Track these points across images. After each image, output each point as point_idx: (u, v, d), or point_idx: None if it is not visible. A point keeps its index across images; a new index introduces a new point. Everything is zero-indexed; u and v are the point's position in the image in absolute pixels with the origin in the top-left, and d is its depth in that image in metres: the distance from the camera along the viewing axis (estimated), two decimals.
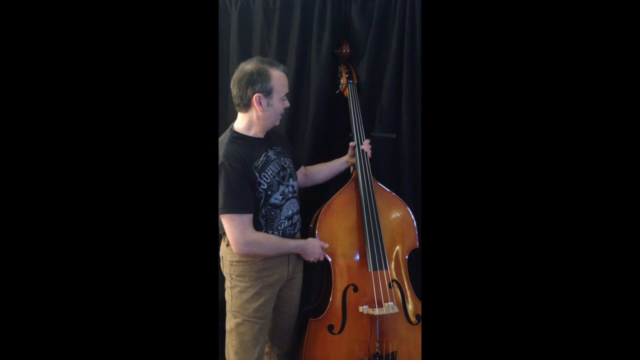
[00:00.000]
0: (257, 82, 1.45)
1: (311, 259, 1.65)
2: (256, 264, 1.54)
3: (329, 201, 1.73)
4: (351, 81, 1.87)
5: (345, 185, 1.77)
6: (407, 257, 1.76)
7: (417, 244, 1.77)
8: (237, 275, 1.54)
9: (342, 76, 1.89)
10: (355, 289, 1.70)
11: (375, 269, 1.68)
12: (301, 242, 1.64)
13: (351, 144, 1.82)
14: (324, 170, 1.86)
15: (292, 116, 1.96)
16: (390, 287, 1.71)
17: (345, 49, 1.92)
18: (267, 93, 1.47)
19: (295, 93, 1.95)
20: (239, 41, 1.99)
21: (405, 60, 1.82)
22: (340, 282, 1.70)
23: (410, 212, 1.78)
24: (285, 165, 1.62)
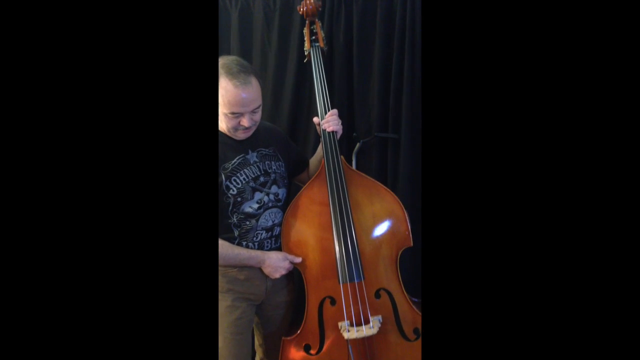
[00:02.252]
0: None
1: (276, 275, 1.42)
2: (228, 274, 1.42)
3: (294, 199, 1.45)
4: (317, 44, 1.54)
5: (313, 177, 1.46)
6: (398, 258, 1.43)
7: (411, 241, 1.43)
8: None
9: (306, 40, 1.56)
10: (333, 302, 1.42)
11: (345, 280, 1.38)
12: (258, 253, 1.41)
13: (315, 119, 1.51)
14: (313, 162, 1.62)
15: (293, 118, 1.96)
16: (377, 297, 1.42)
17: (309, 4, 1.55)
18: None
19: (296, 94, 1.95)
20: (239, 41, 1.99)
21: (407, 60, 1.80)
22: (314, 295, 1.43)
23: (400, 204, 1.43)
24: (270, 170, 1.45)
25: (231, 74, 1.28)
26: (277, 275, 1.42)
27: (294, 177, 1.64)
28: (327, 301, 1.42)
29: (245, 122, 1.33)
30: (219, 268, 1.41)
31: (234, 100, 1.29)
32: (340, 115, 1.53)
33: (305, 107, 1.97)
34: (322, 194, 1.42)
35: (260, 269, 1.44)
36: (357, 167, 1.79)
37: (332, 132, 1.45)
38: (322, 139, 1.46)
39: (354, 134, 1.84)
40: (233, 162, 1.39)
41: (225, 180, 1.37)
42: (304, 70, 1.94)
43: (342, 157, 1.44)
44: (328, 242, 1.41)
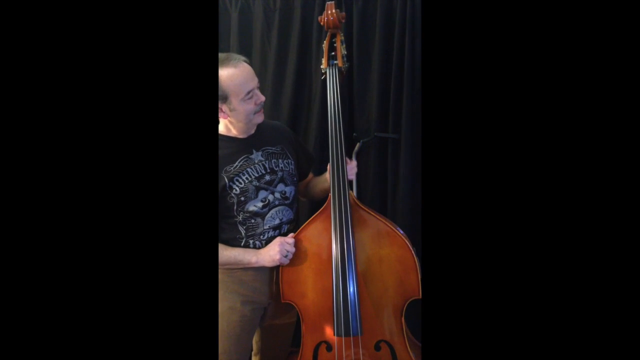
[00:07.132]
0: None
1: (281, 254, 1.33)
2: (234, 275, 1.42)
3: (296, 233, 1.37)
4: (334, 62, 1.43)
5: (319, 212, 1.37)
6: (404, 309, 1.31)
7: (420, 293, 1.29)
8: None
9: (324, 56, 1.44)
10: (329, 348, 1.31)
11: (340, 334, 1.27)
12: (252, 251, 1.37)
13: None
14: (316, 185, 1.58)
15: (293, 117, 1.95)
16: (377, 349, 1.31)
17: (330, 15, 1.41)
18: (223, 99, 1.29)
19: (296, 94, 1.95)
20: (239, 41, 1.99)
21: (407, 61, 1.80)
22: (310, 338, 1.33)
23: (412, 250, 1.30)
24: (277, 169, 1.42)
25: (224, 63, 1.28)
26: (282, 254, 1.33)
27: (302, 178, 1.61)
28: (323, 346, 1.33)
29: (260, 96, 1.34)
30: (225, 269, 1.41)
31: (241, 80, 1.29)
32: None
33: (305, 107, 1.97)
34: (326, 230, 1.33)
35: (265, 272, 1.42)
36: (357, 167, 1.78)
37: (342, 166, 1.37)
38: (330, 172, 1.36)
39: (354, 134, 1.83)
40: (235, 164, 1.38)
41: (229, 182, 1.36)
42: (304, 70, 1.94)
43: (351, 192, 1.35)
44: (329, 284, 1.31)
